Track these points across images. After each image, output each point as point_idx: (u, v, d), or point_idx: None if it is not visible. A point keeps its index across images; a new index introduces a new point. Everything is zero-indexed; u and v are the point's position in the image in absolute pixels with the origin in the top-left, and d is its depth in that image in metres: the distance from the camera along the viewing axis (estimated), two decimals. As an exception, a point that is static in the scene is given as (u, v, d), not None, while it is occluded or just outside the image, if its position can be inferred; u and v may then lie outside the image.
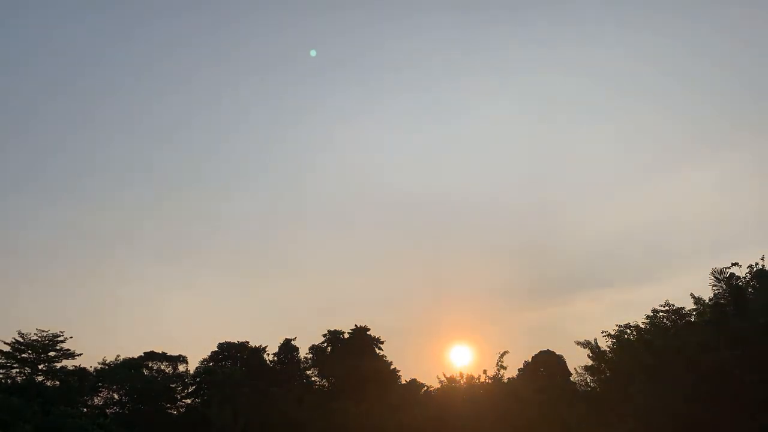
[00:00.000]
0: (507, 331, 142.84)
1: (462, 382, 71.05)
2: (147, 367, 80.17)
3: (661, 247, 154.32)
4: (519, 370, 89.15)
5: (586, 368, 70.87)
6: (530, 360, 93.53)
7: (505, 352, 74.50)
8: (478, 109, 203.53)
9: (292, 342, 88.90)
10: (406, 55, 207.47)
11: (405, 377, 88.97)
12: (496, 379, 69.31)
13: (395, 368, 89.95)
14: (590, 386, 71.43)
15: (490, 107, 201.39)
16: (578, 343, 68.97)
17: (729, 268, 59.85)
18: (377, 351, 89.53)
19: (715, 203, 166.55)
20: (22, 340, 70.47)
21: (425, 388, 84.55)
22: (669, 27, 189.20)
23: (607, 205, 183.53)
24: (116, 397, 76.86)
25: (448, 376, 75.21)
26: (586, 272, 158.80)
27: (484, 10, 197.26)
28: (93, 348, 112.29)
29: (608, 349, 66.54)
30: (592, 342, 67.43)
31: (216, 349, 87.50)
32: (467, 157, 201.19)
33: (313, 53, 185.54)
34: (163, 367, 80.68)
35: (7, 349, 70.09)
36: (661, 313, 66.40)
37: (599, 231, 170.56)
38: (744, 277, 59.54)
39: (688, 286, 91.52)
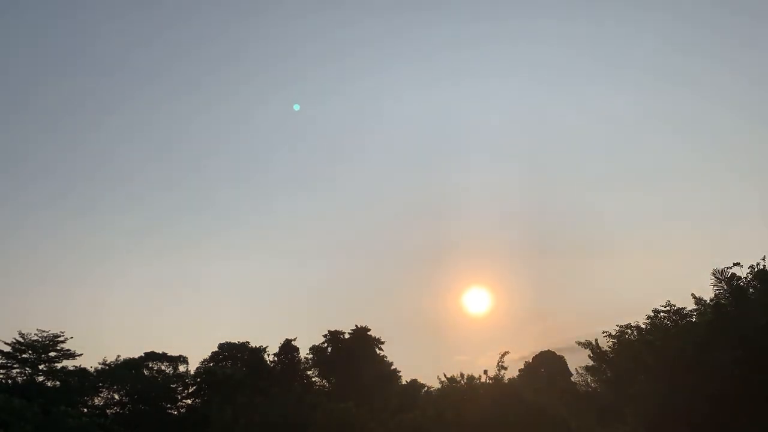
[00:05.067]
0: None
1: (462, 382, 70.82)
2: (147, 368, 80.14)
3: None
4: (520, 370, 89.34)
5: (587, 368, 70.72)
6: (531, 360, 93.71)
7: (506, 353, 74.18)
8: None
9: (293, 342, 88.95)
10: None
11: (405, 377, 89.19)
12: (497, 379, 68.99)
13: (396, 368, 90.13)
14: (591, 387, 71.33)
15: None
16: (579, 343, 68.83)
17: (730, 268, 59.57)
18: (377, 351, 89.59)
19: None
20: (22, 340, 70.51)
21: (425, 388, 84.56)
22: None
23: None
24: (117, 397, 76.84)
25: (448, 376, 75.08)
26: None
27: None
28: (93, 348, 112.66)
29: (609, 350, 66.36)
30: (593, 342, 67.28)
31: (216, 350, 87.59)
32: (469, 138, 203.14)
33: (296, 107, 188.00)
34: (163, 368, 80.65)
35: (7, 349, 70.20)
36: (662, 314, 66.23)
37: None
38: (745, 278, 59.27)
39: (689, 287, 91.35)
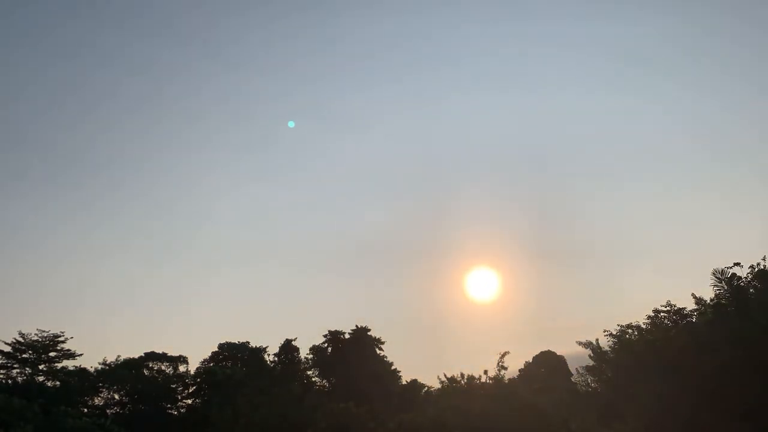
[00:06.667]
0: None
1: (462, 382, 70.85)
2: (147, 368, 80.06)
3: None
4: (520, 370, 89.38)
5: (587, 368, 70.65)
6: (531, 360, 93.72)
7: (506, 353, 74.26)
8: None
9: (293, 342, 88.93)
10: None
11: (405, 377, 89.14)
12: (497, 379, 69.05)
13: (396, 368, 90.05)
14: (591, 387, 71.27)
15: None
16: (579, 343, 68.80)
17: (730, 268, 59.64)
18: (377, 351, 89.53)
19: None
20: (22, 340, 70.46)
21: (426, 388, 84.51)
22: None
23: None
24: (117, 397, 76.79)
25: (448, 376, 75.04)
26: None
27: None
28: (93, 348, 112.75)
29: (609, 350, 66.32)
30: (594, 342, 67.25)
31: (216, 350, 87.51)
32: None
33: (291, 124, 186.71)
34: (163, 368, 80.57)
35: (7, 349, 70.14)
36: (662, 314, 66.24)
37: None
38: (745, 278, 59.30)
39: (689, 287, 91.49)
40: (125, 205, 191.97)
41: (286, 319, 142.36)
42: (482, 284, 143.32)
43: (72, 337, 72.77)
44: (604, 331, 67.24)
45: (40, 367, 71.04)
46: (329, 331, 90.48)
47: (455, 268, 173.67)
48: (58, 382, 69.81)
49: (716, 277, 59.93)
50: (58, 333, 71.85)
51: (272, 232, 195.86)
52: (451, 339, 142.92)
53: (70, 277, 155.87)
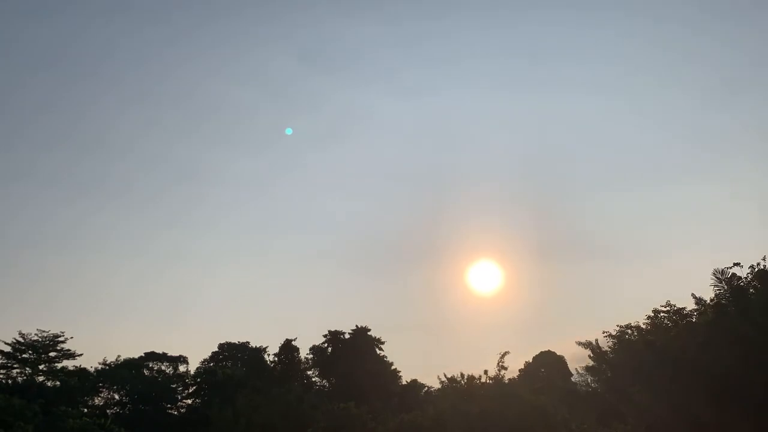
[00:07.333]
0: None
1: (462, 382, 70.88)
2: (147, 368, 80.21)
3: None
4: (520, 370, 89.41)
5: (587, 369, 70.61)
6: (531, 360, 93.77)
7: (506, 353, 74.31)
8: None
9: (293, 342, 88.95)
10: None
11: (405, 377, 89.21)
12: (497, 379, 69.06)
13: (396, 368, 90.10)
14: (591, 387, 71.24)
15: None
16: (579, 343, 68.70)
17: (730, 268, 59.36)
18: (378, 351, 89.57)
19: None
20: (22, 340, 70.56)
21: (426, 388, 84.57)
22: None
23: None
24: (117, 397, 76.90)
25: (448, 376, 75.05)
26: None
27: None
28: (93, 348, 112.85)
29: (609, 350, 66.27)
30: (593, 342, 67.20)
31: (216, 350, 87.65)
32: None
33: (289, 131, 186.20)
34: (163, 368, 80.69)
35: (7, 349, 70.25)
36: (662, 314, 66.18)
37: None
38: (745, 278, 59.17)
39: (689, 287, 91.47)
40: (128, 205, 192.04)
41: (286, 319, 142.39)
42: (485, 278, 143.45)
43: (72, 337, 73.06)
44: (603, 333, 67.22)
45: (40, 367, 71.14)
46: (329, 331, 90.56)
47: (456, 269, 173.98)
48: (58, 382, 69.91)
49: (716, 277, 59.71)
50: (58, 333, 72.15)
51: (272, 233, 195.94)
52: (451, 338, 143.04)
53: (71, 278, 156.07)
